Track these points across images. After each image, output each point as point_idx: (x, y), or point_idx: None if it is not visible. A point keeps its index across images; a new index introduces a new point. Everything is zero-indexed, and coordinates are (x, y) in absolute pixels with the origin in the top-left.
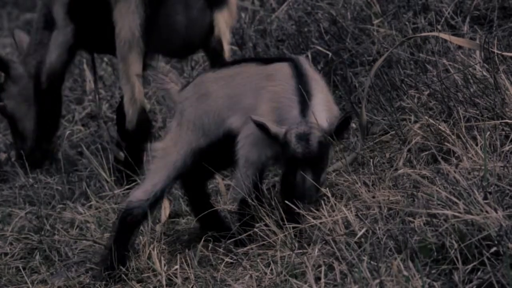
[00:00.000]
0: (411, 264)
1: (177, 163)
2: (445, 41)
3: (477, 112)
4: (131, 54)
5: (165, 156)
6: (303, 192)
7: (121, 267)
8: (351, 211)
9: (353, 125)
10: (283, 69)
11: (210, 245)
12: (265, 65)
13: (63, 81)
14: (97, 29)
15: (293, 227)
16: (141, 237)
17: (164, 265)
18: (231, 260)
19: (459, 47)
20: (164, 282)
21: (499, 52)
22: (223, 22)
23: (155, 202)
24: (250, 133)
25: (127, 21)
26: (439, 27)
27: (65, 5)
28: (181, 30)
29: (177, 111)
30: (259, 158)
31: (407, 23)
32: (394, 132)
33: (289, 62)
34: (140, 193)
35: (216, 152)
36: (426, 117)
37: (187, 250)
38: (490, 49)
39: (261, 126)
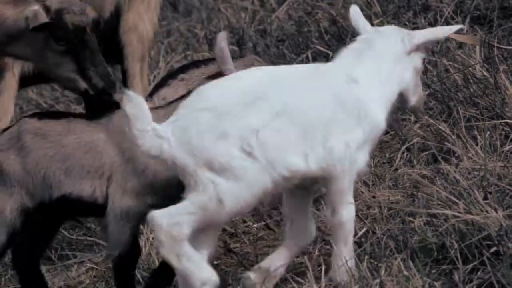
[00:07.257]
0: (411, 264)
1: None
2: (445, 41)
3: (477, 112)
4: (147, 53)
5: None
6: None
7: None
8: None
9: None
10: None
11: None
12: None
13: None
14: None
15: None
16: (141, 236)
17: None
18: (232, 260)
19: (459, 47)
20: None
21: (500, 46)
22: None
23: None
24: None
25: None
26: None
27: None
28: None
29: None
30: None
31: (407, 23)
32: (394, 132)
33: None
34: None
35: None
36: (426, 117)
37: None
38: (490, 43)
39: None
